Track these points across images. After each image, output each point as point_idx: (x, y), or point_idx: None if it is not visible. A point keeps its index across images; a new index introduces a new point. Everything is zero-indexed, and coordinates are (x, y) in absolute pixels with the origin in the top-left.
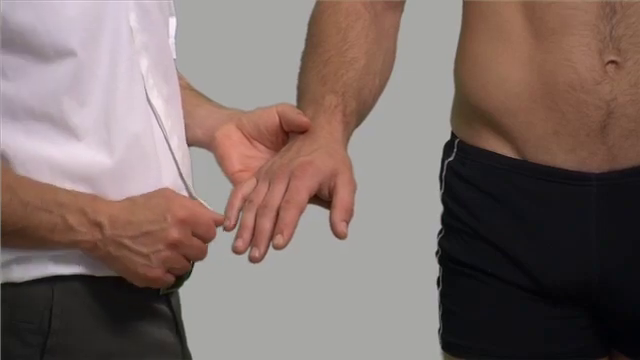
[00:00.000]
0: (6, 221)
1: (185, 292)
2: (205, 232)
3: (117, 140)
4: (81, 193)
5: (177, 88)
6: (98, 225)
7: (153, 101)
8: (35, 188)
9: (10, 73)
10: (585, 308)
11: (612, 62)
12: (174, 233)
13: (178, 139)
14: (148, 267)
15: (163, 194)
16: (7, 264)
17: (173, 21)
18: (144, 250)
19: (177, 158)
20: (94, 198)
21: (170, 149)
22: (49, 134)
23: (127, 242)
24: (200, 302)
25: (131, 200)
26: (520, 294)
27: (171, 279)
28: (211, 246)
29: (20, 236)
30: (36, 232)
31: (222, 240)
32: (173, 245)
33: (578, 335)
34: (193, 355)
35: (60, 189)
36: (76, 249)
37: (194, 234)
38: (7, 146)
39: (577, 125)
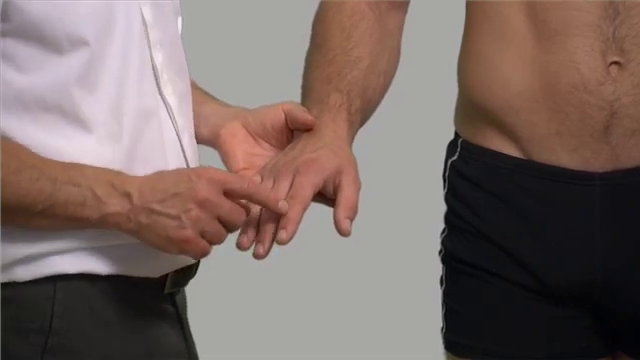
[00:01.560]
0: (35, 199)
1: (191, 290)
2: (237, 188)
3: (125, 133)
4: (106, 168)
5: (189, 85)
6: (127, 195)
7: (167, 97)
8: (60, 166)
9: (23, 64)
10: (588, 308)
11: (615, 63)
12: (202, 191)
13: (189, 136)
14: (180, 228)
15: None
16: (11, 264)
17: (179, 20)
18: (173, 212)
19: (187, 155)
20: (120, 172)
21: (181, 146)
22: (59, 126)
23: (156, 207)
24: (205, 300)
25: (157, 172)
26: (523, 294)
27: (207, 247)
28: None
29: (49, 215)
30: (65, 209)
31: (229, 236)
32: (202, 203)
33: (581, 335)
34: (200, 353)
35: (85, 165)
36: (105, 227)
37: (225, 194)
38: (15, 137)
39: (580, 125)
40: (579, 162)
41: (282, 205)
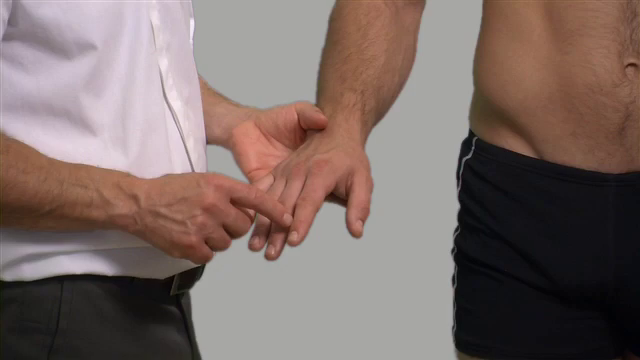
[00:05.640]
0: (43, 200)
1: (196, 293)
2: (244, 197)
3: (131, 138)
4: (113, 170)
5: (198, 89)
6: (134, 197)
7: (171, 102)
8: (68, 167)
9: (31, 68)
10: (600, 309)
11: (632, 65)
12: (209, 197)
13: (194, 140)
14: (184, 234)
15: (197, 172)
16: (18, 262)
17: (192, 23)
18: (179, 217)
19: (192, 159)
20: (127, 174)
21: (186, 150)
22: (65, 130)
23: (163, 211)
24: (211, 303)
25: (165, 175)
26: (536, 294)
27: (210, 253)
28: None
29: (57, 216)
30: (73, 210)
31: (234, 241)
32: (209, 209)
33: (593, 336)
34: (203, 356)
35: (92, 167)
36: (113, 228)
37: (232, 202)
38: (21, 140)
39: (595, 127)
40: (594, 163)
41: (286, 218)
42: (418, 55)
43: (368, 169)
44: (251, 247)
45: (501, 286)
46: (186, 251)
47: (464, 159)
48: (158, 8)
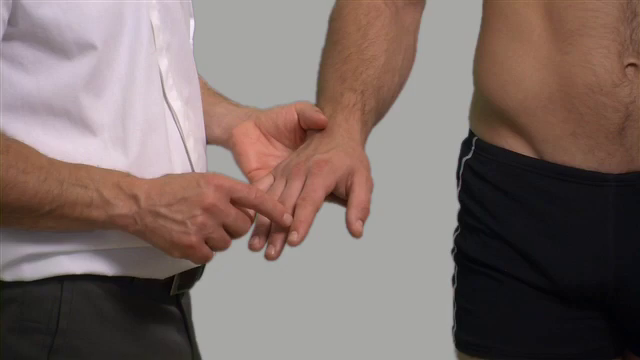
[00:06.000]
0: (42, 200)
1: (196, 293)
2: (244, 197)
3: (132, 138)
4: (113, 170)
5: (198, 89)
6: (134, 197)
7: (171, 102)
8: (68, 167)
9: (31, 68)
10: (600, 309)
11: (632, 65)
12: (209, 197)
13: (194, 140)
14: (184, 234)
15: (197, 172)
16: (18, 262)
17: (192, 23)
18: (179, 217)
19: (192, 159)
20: (127, 174)
21: (186, 150)
22: (65, 130)
23: (163, 211)
24: (211, 303)
25: (165, 175)
26: (536, 294)
27: (209, 253)
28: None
29: (56, 216)
30: (73, 210)
31: (234, 241)
32: (209, 209)
33: (593, 336)
34: (203, 356)
35: (92, 167)
36: (113, 228)
37: (232, 202)
38: (21, 140)
39: (595, 127)
40: (594, 163)
41: (286, 218)
42: (418, 55)
43: (368, 169)
44: (251, 247)
45: (501, 286)
46: (186, 251)
47: (464, 159)
48: (158, 8)
